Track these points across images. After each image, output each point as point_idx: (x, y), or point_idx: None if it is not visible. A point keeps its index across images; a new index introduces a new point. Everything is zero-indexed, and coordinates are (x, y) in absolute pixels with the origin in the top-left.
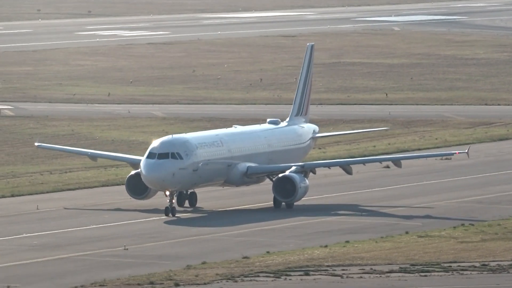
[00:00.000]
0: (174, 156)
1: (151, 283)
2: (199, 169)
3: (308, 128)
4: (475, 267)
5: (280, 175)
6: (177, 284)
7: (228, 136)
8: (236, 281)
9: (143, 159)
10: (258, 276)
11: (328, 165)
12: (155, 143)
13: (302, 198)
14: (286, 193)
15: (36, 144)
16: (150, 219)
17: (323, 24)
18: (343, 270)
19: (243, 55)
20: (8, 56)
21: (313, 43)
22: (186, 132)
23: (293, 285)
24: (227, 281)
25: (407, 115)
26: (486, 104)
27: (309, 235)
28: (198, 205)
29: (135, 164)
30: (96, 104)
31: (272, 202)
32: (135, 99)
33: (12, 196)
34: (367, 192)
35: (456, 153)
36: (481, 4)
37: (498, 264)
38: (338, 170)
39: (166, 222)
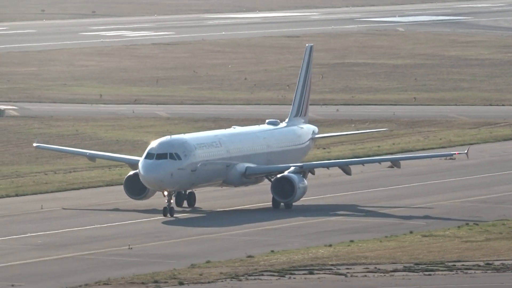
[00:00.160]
0: (173, 156)
1: (156, 282)
2: (197, 169)
3: (307, 129)
4: (479, 266)
5: (279, 175)
6: (181, 283)
7: (226, 137)
8: (240, 280)
9: (141, 159)
10: (263, 275)
11: (327, 166)
12: (154, 143)
13: (302, 198)
14: (284, 193)
15: (34, 144)
16: (155, 218)
17: (327, 24)
18: (347, 269)
19: (248, 55)
20: (13, 57)
21: (312, 44)
22: (191, 133)
23: (298, 284)
24: (231, 280)
25: (411, 116)
26: (490, 105)
27: (313, 234)
28: (196, 205)
29: (134, 165)
30: (101, 105)
31: (271, 203)
32: (139, 99)
33: (17, 195)
34: (372, 192)
35: (455, 153)
36: (486, 5)
37: (502, 263)
38: (339, 170)
39: (170, 222)
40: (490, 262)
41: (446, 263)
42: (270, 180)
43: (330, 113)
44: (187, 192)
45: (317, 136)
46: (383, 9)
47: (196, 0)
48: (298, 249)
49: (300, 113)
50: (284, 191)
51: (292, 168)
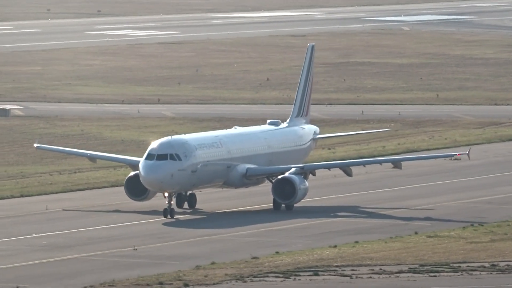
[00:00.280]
0: (173, 157)
1: (160, 283)
2: (198, 170)
3: (308, 129)
4: (485, 267)
5: (280, 176)
6: (186, 285)
7: (227, 137)
8: (245, 282)
9: (141, 160)
10: (268, 276)
11: (328, 167)
12: (154, 144)
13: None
14: (285, 194)
15: (35, 145)
16: (160, 219)
17: (332, 23)
18: (352, 270)
19: (252, 54)
20: (17, 56)
21: (313, 44)
22: (192, 133)
23: (302, 285)
24: (236, 282)
25: (417, 115)
26: (495, 104)
27: (318, 235)
28: (197, 206)
29: (134, 165)
30: (106, 104)
31: (272, 204)
32: (144, 99)
33: (22, 196)
34: (376, 193)
35: (457, 154)
36: (490, 4)
37: (507, 265)
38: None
39: (174, 223)
40: (495, 263)
41: (451, 264)
42: (271, 181)
43: (334, 112)
44: (188, 194)
45: (318, 136)
46: (388, 9)
47: (201, 0)
48: (303, 250)
49: (301, 113)
50: (285, 193)
51: (293, 169)
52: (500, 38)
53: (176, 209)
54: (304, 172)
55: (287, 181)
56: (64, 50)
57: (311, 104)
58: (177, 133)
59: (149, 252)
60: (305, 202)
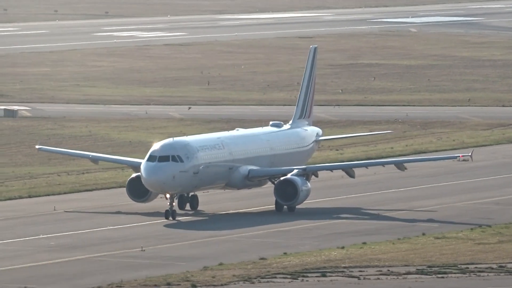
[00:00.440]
0: (175, 159)
1: (168, 284)
2: (200, 172)
3: (311, 131)
4: (492, 268)
5: (282, 178)
6: (194, 285)
7: (229, 139)
8: (253, 282)
9: (143, 162)
10: (275, 277)
11: (330, 168)
12: (156, 146)
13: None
14: (287, 196)
15: (37, 146)
16: (167, 221)
17: (340, 25)
18: (360, 271)
19: (260, 56)
20: (25, 57)
21: (316, 46)
22: (194, 135)
23: (310, 286)
24: (244, 282)
25: (424, 117)
26: (503, 106)
27: (326, 236)
28: (199, 208)
29: (136, 167)
30: (112, 105)
31: (274, 205)
32: (152, 100)
33: (29, 197)
34: (383, 194)
35: (460, 156)
36: (498, 6)
37: None
38: (355, 171)
39: (181, 224)
40: (503, 264)
41: (459, 266)
42: (273, 182)
43: (342, 113)
44: (190, 195)
45: (321, 138)
46: (396, 10)
47: (209, 1)
48: (310, 251)
49: (304, 115)
50: (287, 194)
51: (295, 171)
52: (508, 39)
53: (178, 211)
54: (306, 174)
55: (289, 182)
56: (72, 52)
57: (320, 105)
58: (184, 134)
59: (157, 253)
60: (312, 203)
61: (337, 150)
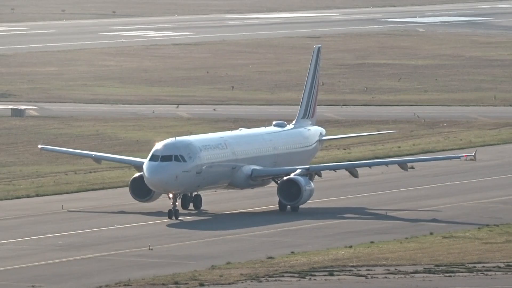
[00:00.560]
0: (178, 158)
1: (176, 283)
2: (202, 171)
3: (314, 131)
4: (500, 267)
5: (285, 178)
6: (201, 284)
7: (232, 139)
8: (260, 281)
9: (146, 161)
10: (283, 276)
11: (334, 168)
12: (159, 145)
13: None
14: (291, 196)
15: (39, 146)
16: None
17: (348, 25)
18: (367, 270)
19: (268, 56)
20: (33, 57)
21: (320, 45)
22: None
23: (318, 285)
24: (251, 281)
25: (432, 116)
26: (511, 105)
27: (333, 236)
28: (202, 207)
29: (139, 167)
30: (120, 105)
31: (278, 205)
32: (160, 99)
33: (37, 196)
34: (391, 193)
35: (463, 156)
36: (507, 6)
37: None
38: (363, 171)
39: (188, 223)
40: (511, 263)
41: (467, 265)
42: (276, 182)
43: (348, 113)
44: (193, 195)
45: (324, 138)
46: (404, 10)
47: (217, 1)
48: (318, 250)
49: (307, 114)
50: (291, 194)
51: (298, 171)
52: None
53: (181, 210)
54: (309, 174)
55: (293, 182)
56: (80, 51)
57: (327, 105)
58: (192, 134)
59: (165, 252)
60: (320, 203)
61: (344, 149)
